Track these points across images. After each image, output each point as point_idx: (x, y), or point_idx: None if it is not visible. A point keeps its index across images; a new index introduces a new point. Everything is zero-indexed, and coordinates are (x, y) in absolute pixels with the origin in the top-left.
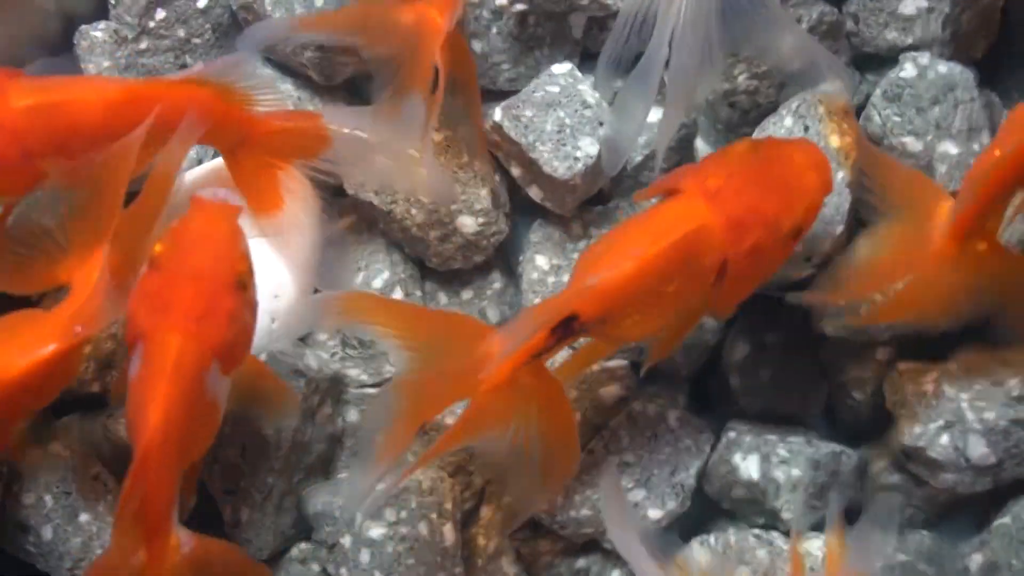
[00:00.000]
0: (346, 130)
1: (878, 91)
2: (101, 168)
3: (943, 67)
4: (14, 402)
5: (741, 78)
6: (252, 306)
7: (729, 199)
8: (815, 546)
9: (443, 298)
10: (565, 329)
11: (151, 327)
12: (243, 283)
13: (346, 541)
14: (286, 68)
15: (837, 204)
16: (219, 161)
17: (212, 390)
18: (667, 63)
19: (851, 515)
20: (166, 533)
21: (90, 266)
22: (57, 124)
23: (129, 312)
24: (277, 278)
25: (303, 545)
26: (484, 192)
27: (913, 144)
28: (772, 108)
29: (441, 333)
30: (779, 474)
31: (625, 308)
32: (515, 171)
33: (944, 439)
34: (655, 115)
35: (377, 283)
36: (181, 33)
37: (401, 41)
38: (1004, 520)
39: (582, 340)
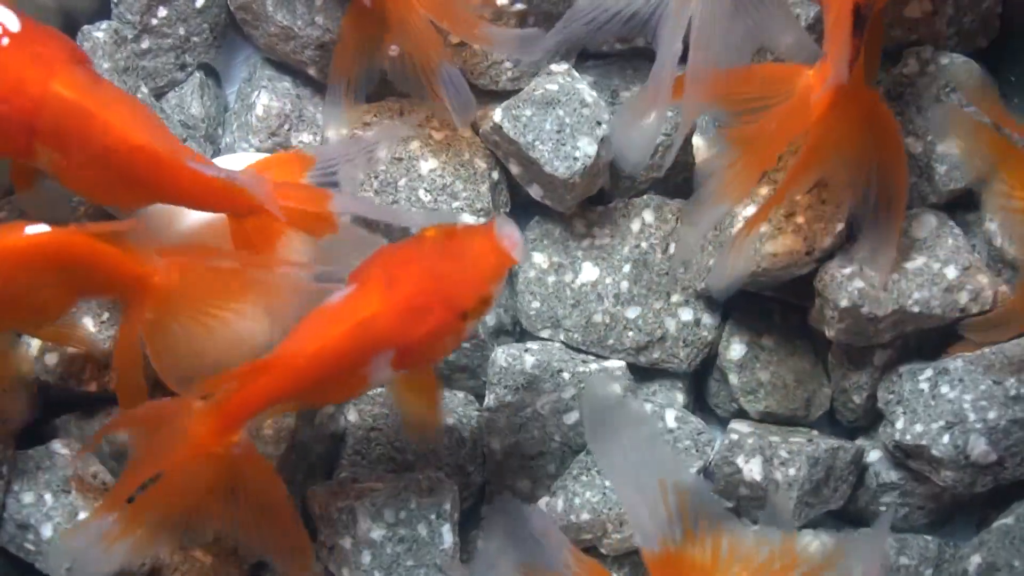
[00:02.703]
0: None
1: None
2: None
3: (945, 59)
4: None
5: None
6: (460, 335)
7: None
8: (812, 543)
9: None
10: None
11: (371, 282)
12: (465, 315)
13: (346, 542)
14: (285, 66)
15: (838, 201)
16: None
17: (371, 369)
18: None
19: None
20: (233, 425)
21: None
22: (72, 128)
23: (372, 255)
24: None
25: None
26: (484, 189)
27: (913, 145)
28: None
29: None
30: (779, 475)
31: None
32: (514, 169)
33: (945, 438)
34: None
35: None
36: (182, 31)
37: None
38: (1005, 521)
39: None
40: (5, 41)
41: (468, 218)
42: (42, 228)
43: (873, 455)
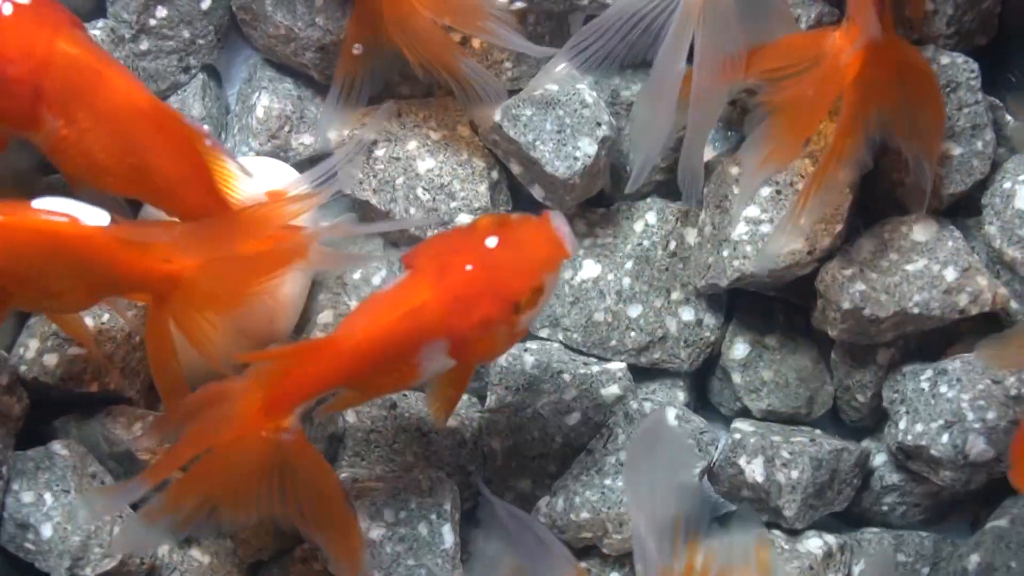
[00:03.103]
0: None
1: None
2: None
3: (945, 59)
4: None
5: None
6: (514, 328)
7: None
8: (815, 545)
9: None
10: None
11: (425, 270)
12: (519, 307)
13: None
14: (286, 68)
15: (838, 203)
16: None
17: (422, 359)
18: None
19: (852, 515)
20: (283, 410)
21: None
22: (79, 86)
23: (426, 241)
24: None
25: (306, 544)
26: (483, 188)
27: None
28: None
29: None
30: (781, 477)
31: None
32: (515, 169)
33: (944, 438)
34: None
35: (376, 280)
36: (186, 34)
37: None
38: (999, 523)
39: None
40: (8, 7)
41: (465, 218)
42: (57, 210)
43: (879, 459)
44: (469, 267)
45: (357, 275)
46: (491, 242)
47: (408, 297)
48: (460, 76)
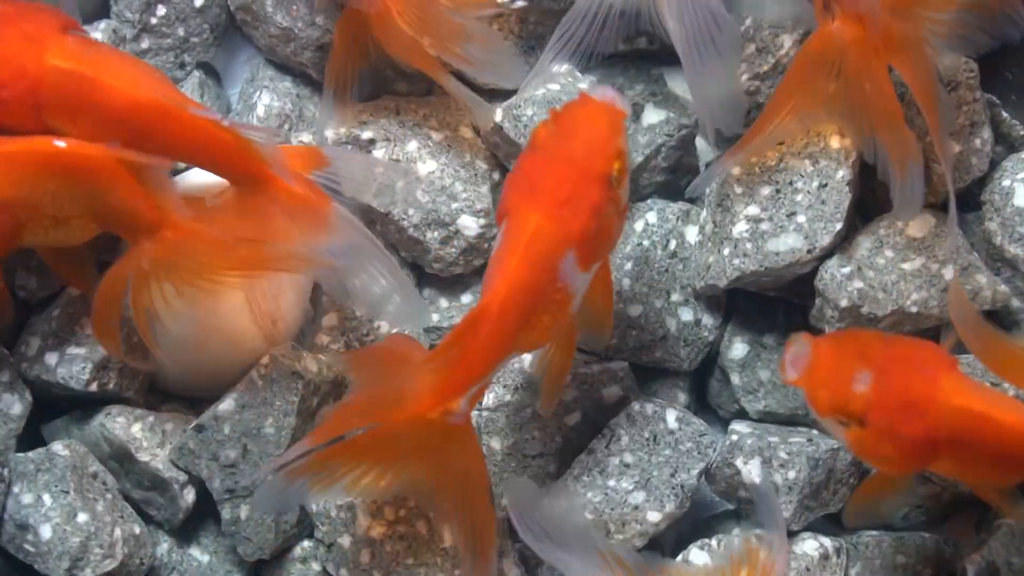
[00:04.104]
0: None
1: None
2: None
3: (947, 59)
4: None
5: (743, 78)
6: (619, 205)
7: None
8: (811, 547)
9: (443, 302)
10: None
11: (516, 204)
12: (614, 179)
13: (345, 540)
14: (285, 67)
15: (837, 201)
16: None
17: (564, 278)
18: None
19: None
20: (455, 392)
21: None
22: (76, 97)
23: (503, 189)
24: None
25: (305, 544)
26: (485, 190)
27: None
28: None
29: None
30: (778, 478)
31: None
32: None
33: None
34: (655, 116)
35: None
36: (181, 32)
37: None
38: (1005, 520)
39: None
40: None
41: (468, 220)
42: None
43: None
44: (553, 174)
45: (359, 281)
46: (556, 141)
47: (521, 233)
48: (447, 90)
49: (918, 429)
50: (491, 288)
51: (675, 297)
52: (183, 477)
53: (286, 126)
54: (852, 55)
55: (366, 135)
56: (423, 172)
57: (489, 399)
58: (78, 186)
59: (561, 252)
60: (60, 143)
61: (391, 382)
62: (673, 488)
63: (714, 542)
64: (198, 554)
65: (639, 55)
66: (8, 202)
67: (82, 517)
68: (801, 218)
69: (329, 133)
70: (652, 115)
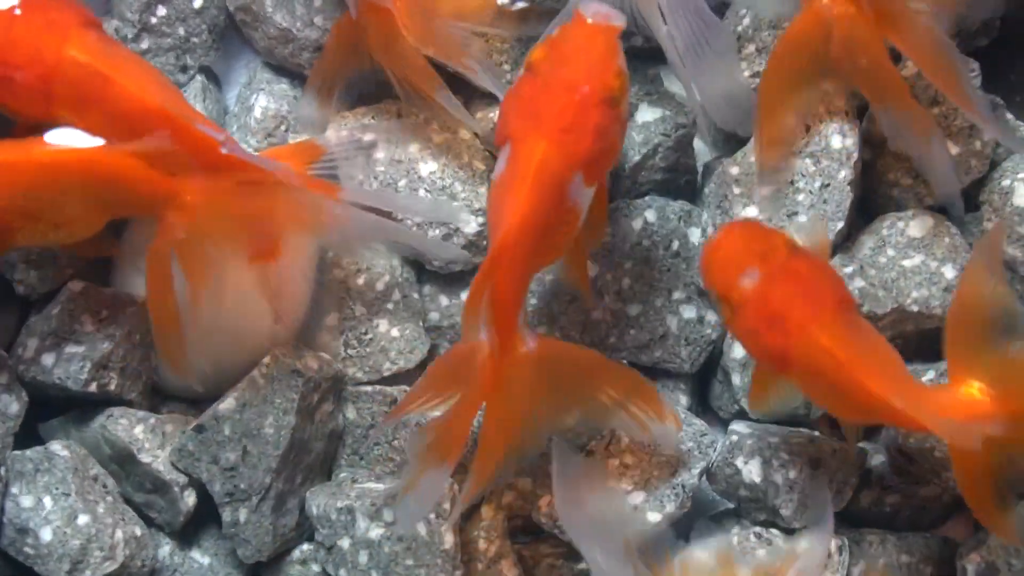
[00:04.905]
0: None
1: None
2: None
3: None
4: None
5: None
6: (622, 122)
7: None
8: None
9: (444, 300)
10: None
11: (519, 130)
12: (615, 99)
13: (344, 542)
14: (283, 69)
15: (839, 201)
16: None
17: (573, 198)
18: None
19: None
20: (511, 329)
21: None
22: (88, 90)
23: (501, 113)
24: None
25: (305, 546)
26: (484, 190)
27: None
28: None
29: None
30: (778, 478)
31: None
32: None
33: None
34: (650, 115)
35: (379, 286)
36: (181, 32)
37: None
38: None
39: None
40: (19, 11)
41: (467, 217)
42: (67, 143)
43: (877, 459)
44: (553, 98)
45: (361, 280)
46: (554, 66)
47: (529, 161)
48: (435, 106)
49: (775, 343)
50: (502, 216)
51: (677, 295)
52: (183, 479)
53: (283, 128)
54: (842, 31)
55: (368, 137)
56: (424, 172)
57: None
58: (79, 189)
59: (570, 176)
60: (56, 147)
61: (462, 369)
62: (673, 488)
63: (714, 541)
64: (199, 556)
65: (635, 53)
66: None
67: (83, 519)
68: (803, 218)
69: (331, 134)
70: (648, 113)
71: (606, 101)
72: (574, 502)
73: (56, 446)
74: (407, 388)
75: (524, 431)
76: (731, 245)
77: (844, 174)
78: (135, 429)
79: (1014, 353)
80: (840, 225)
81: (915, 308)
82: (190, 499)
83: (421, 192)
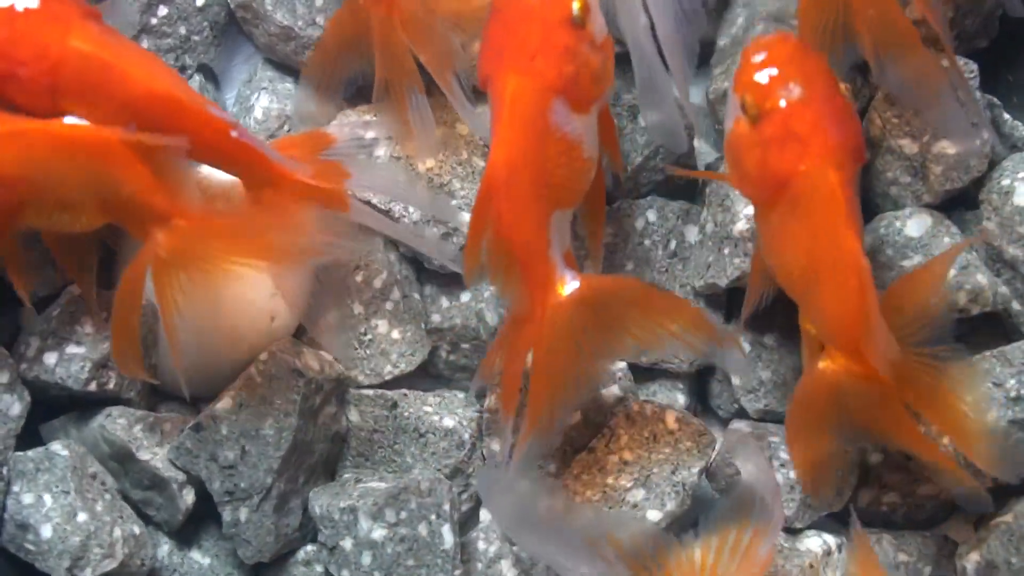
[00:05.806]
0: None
1: (880, 94)
2: None
3: (945, 61)
4: None
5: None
6: (592, 42)
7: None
8: (815, 543)
9: (444, 302)
10: None
11: (492, 69)
12: (579, 20)
13: (347, 543)
14: (286, 67)
15: None
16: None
17: (563, 128)
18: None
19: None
20: (546, 275)
21: None
22: (93, 82)
23: (479, 54)
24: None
25: (309, 547)
26: None
27: (909, 146)
28: None
29: None
30: (779, 477)
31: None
32: None
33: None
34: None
35: (377, 283)
36: (183, 30)
37: None
38: (1004, 519)
39: None
40: (20, 6)
41: (467, 217)
42: (83, 121)
43: (875, 457)
44: (517, 31)
45: (359, 277)
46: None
47: (503, 95)
48: (403, 105)
49: (783, 165)
50: (493, 155)
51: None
52: (182, 477)
53: (285, 128)
54: None
55: (370, 134)
56: (422, 169)
57: (490, 400)
58: (89, 170)
59: (546, 103)
60: (73, 123)
61: (523, 328)
62: (674, 486)
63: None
64: (199, 557)
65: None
66: (12, 179)
67: (82, 517)
68: None
69: (333, 127)
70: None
71: (568, 21)
72: (510, 519)
73: (56, 446)
74: (407, 392)
75: (574, 374)
76: (780, 55)
77: None
78: (134, 428)
79: None
80: None
81: None
82: (188, 496)
83: (419, 189)
